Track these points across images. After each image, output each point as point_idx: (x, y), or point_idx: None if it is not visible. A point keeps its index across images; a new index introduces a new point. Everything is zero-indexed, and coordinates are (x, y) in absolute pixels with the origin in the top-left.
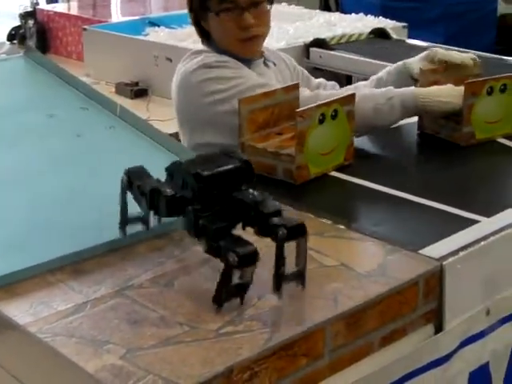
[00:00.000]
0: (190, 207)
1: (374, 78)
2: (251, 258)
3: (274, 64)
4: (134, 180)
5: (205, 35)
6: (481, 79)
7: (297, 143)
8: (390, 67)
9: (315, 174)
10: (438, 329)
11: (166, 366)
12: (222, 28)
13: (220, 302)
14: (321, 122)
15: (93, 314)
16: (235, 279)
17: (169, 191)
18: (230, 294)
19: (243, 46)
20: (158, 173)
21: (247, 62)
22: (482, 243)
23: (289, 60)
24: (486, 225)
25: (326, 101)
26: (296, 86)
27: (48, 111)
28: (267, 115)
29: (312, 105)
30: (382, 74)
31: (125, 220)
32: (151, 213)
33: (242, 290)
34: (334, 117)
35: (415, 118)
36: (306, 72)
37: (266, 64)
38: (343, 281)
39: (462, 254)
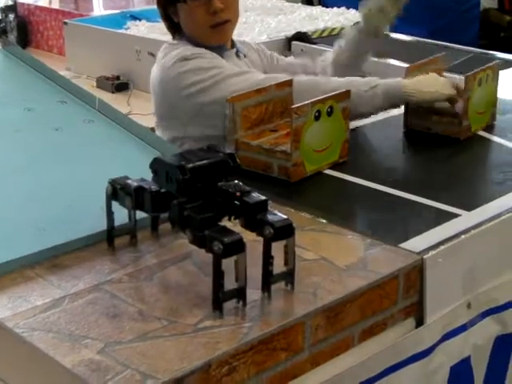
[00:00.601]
0: (175, 201)
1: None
2: (237, 247)
3: (245, 55)
4: (118, 188)
5: (175, 29)
6: (473, 71)
7: (292, 140)
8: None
9: (311, 172)
10: (419, 323)
11: (144, 361)
12: (192, 16)
13: (218, 305)
14: (316, 118)
15: (71, 308)
16: (230, 285)
17: (153, 187)
18: (229, 296)
19: (214, 32)
20: (138, 167)
21: (220, 52)
22: (463, 237)
23: (260, 48)
24: (467, 218)
25: (321, 97)
26: (289, 83)
27: (26, 105)
28: (261, 112)
29: (307, 101)
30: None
31: (111, 229)
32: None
33: (240, 292)
34: (329, 113)
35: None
36: (275, 54)
37: (237, 55)
38: (323, 275)
39: (442, 247)
